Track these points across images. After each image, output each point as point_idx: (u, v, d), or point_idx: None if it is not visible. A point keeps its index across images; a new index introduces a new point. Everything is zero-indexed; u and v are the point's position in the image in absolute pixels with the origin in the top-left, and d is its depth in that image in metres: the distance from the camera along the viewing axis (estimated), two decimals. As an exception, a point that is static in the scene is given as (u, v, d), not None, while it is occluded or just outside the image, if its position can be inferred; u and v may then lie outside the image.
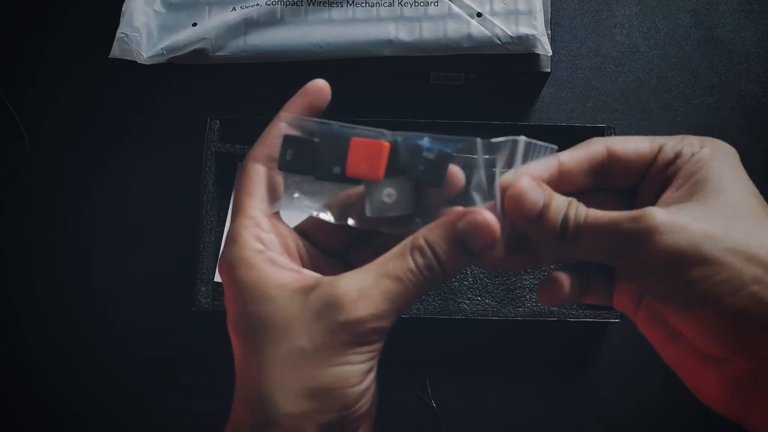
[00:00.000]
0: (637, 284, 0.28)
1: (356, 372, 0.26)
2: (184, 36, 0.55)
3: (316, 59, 0.55)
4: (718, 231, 0.24)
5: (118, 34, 0.55)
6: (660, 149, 0.28)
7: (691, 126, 0.59)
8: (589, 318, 0.51)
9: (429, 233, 0.26)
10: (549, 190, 0.26)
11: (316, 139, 0.28)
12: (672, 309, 0.26)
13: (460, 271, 0.26)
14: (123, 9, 0.56)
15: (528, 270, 0.54)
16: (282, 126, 0.29)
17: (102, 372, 0.54)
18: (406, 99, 0.59)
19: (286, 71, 0.56)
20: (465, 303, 0.54)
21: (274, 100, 0.60)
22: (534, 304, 0.54)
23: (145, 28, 0.56)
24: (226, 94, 0.60)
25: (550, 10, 0.56)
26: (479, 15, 0.54)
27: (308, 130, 0.28)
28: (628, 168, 0.28)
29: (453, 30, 0.54)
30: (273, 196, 0.30)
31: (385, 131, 0.28)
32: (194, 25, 0.56)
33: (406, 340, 0.54)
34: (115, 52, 0.55)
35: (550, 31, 0.55)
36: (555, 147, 0.28)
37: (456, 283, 0.54)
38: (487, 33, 0.54)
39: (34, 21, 0.63)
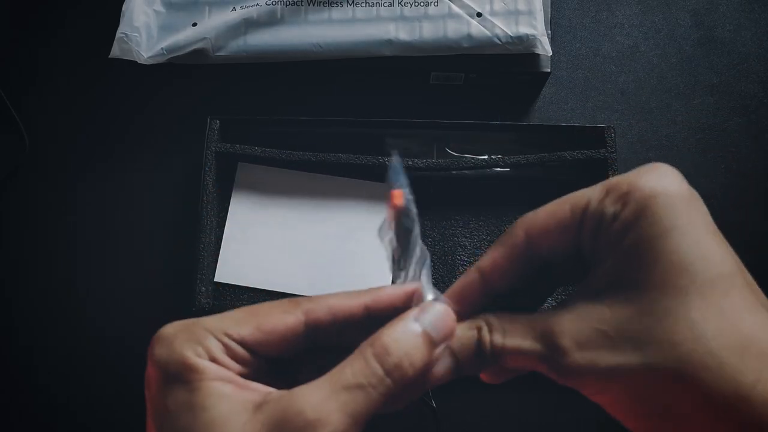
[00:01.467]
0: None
1: None
2: (184, 36, 0.55)
3: (316, 59, 0.55)
4: (631, 324, 0.22)
5: (118, 34, 0.55)
6: (584, 209, 0.24)
7: (691, 126, 0.59)
8: (589, 318, 0.51)
9: (388, 336, 0.24)
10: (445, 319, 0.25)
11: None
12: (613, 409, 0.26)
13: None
14: (123, 9, 0.56)
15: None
16: None
17: (102, 372, 0.54)
18: (406, 99, 0.59)
19: (286, 71, 0.56)
20: (465, 303, 0.54)
21: (274, 100, 0.60)
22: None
23: (145, 28, 0.56)
24: (226, 94, 0.60)
25: (550, 10, 0.56)
26: (479, 15, 0.54)
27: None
28: (554, 239, 0.25)
29: (453, 30, 0.54)
30: (269, 347, 0.25)
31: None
32: (194, 25, 0.56)
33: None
34: (115, 52, 0.55)
35: (550, 31, 0.55)
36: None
37: (456, 283, 0.54)
38: (487, 33, 0.54)
39: (34, 21, 0.63)
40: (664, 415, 0.22)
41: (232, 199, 0.56)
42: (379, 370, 0.23)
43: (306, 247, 0.54)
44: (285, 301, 0.25)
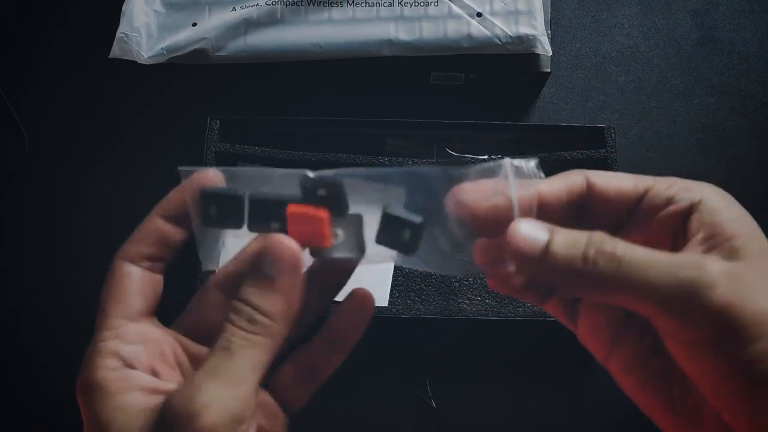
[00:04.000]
0: (671, 342, 0.24)
1: None
2: (184, 36, 0.55)
3: (316, 59, 0.55)
4: None
5: (118, 34, 0.55)
6: (646, 191, 0.26)
7: (691, 126, 0.59)
8: (589, 318, 0.51)
9: (240, 290, 0.25)
10: (554, 226, 0.24)
11: (241, 193, 0.26)
12: (700, 377, 0.23)
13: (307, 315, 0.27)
14: (123, 9, 0.56)
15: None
16: (187, 188, 0.28)
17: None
18: (406, 99, 0.59)
19: (286, 71, 0.56)
20: (465, 303, 0.54)
21: (274, 100, 0.60)
22: (533, 304, 0.54)
23: (145, 28, 0.56)
24: (226, 94, 0.60)
25: (550, 10, 0.56)
26: (479, 15, 0.54)
27: (219, 187, 0.27)
28: (607, 205, 0.26)
29: (453, 30, 0.54)
30: (150, 296, 0.28)
31: (308, 173, 0.26)
32: (194, 25, 0.56)
33: (406, 340, 0.54)
34: (115, 52, 0.55)
35: (550, 31, 0.55)
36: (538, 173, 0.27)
37: (456, 284, 0.54)
38: (487, 33, 0.54)
39: (34, 21, 0.63)
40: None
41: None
42: (233, 328, 0.24)
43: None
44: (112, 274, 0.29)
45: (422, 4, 0.55)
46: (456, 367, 0.53)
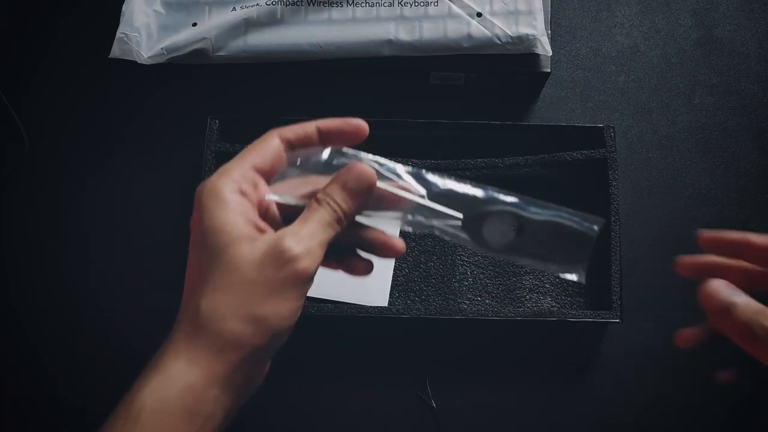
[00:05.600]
0: None
1: (292, 309, 0.31)
2: (184, 36, 0.55)
3: (316, 59, 0.55)
4: None
5: (118, 34, 0.55)
6: None
7: (691, 126, 0.59)
8: (589, 318, 0.51)
9: (327, 188, 0.33)
10: (740, 292, 0.31)
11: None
12: None
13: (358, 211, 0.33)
14: (123, 9, 0.56)
15: (528, 270, 0.54)
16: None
17: (102, 372, 0.54)
18: (406, 99, 0.59)
19: (286, 71, 0.56)
20: (465, 303, 0.54)
21: (274, 100, 0.60)
22: (534, 305, 0.54)
23: (145, 28, 0.56)
24: (226, 94, 0.60)
25: (550, 10, 0.56)
26: (479, 15, 0.54)
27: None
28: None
29: (453, 30, 0.54)
30: (277, 167, 0.34)
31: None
32: (194, 25, 0.56)
33: (406, 340, 0.54)
34: (115, 52, 0.55)
35: (550, 31, 0.55)
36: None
37: (456, 284, 0.54)
38: (487, 33, 0.54)
39: (34, 21, 0.63)
40: None
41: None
42: (327, 216, 0.32)
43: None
44: (265, 135, 0.35)
45: (422, 4, 0.55)
46: (456, 367, 0.53)
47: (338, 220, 0.32)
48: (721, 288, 0.31)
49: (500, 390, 0.53)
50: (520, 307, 0.53)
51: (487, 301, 0.54)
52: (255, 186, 0.33)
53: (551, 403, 0.53)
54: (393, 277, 0.54)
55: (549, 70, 0.56)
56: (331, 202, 0.32)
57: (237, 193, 0.32)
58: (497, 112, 0.59)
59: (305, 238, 0.31)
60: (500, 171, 0.55)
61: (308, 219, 0.32)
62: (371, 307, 0.51)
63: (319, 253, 0.31)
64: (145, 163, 0.59)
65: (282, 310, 0.31)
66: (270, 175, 0.34)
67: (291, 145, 0.34)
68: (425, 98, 0.59)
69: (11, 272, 0.56)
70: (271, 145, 0.34)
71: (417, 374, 0.53)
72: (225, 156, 0.54)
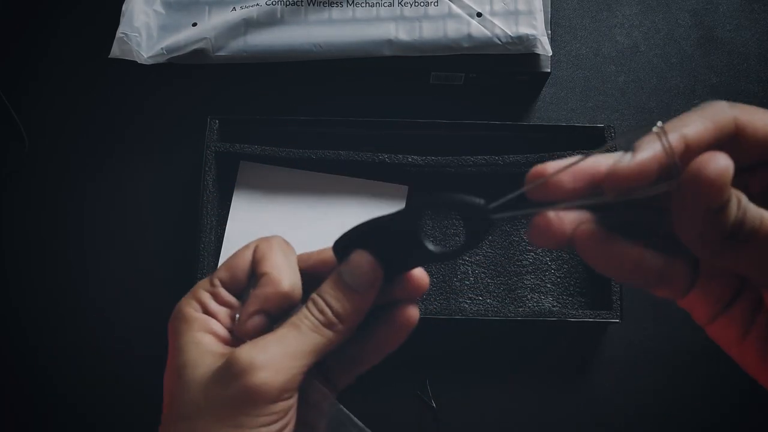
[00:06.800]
0: None
1: None
2: (184, 36, 0.55)
3: (316, 59, 0.55)
4: None
5: (118, 34, 0.55)
6: None
7: (691, 126, 0.59)
8: (589, 318, 0.51)
9: (321, 287, 0.28)
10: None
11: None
12: None
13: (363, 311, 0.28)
14: (123, 9, 0.56)
15: (529, 270, 0.54)
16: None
17: (102, 373, 0.54)
18: (406, 99, 0.59)
19: (286, 71, 0.56)
20: (466, 303, 0.54)
21: (274, 100, 0.60)
22: (535, 304, 0.54)
23: (145, 28, 0.56)
24: (226, 94, 0.60)
25: (550, 10, 0.56)
26: (479, 15, 0.54)
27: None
28: (756, 149, 0.22)
29: (453, 30, 0.54)
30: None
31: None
32: (194, 25, 0.56)
33: (407, 339, 0.54)
34: (115, 52, 0.55)
35: (550, 31, 0.55)
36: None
37: (457, 283, 0.54)
38: (487, 33, 0.54)
39: (34, 21, 0.63)
40: None
41: (233, 197, 0.56)
42: (308, 314, 0.28)
43: (307, 245, 0.54)
44: (246, 245, 0.31)
45: (422, 4, 0.55)
46: (456, 367, 0.53)
47: (328, 324, 0.27)
48: (728, 163, 0.20)
49: (500, 390, 0.53)
50: (520, 307, 0.53)
51: (488, 301, 0.54)
52: (226, 303, 0.29)
53: (551, 403, 0.53)
54: (393, 277, 0.54)
55: (549, 70, 0.56)
56: (318, 302, 0.28)
57: (200, 312, 0.29)
58: (497, 112, 0.59)
59: (269, 345, 0.26)
60: (500, 169, 0.55)
61: (284, 324, 0.27)
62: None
63: (288, 365, 0.26)
64: (145, 163, 0.59)
65: None
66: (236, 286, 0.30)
67: None
68: (425, 98, 0.59)
69: (11, 272, 0.56)
70: (238, 259, 0.30)
71: (417, 374, 0.53)
72: (225, 156, 0.55)
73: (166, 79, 0.59)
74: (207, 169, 0.54)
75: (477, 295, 0.54)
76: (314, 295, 0.28)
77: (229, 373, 0.26)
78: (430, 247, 0.26)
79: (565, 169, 0.23)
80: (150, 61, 0.55)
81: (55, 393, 0.54)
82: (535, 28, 0.54)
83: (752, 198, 0.21)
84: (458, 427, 0.52)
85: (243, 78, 0.58)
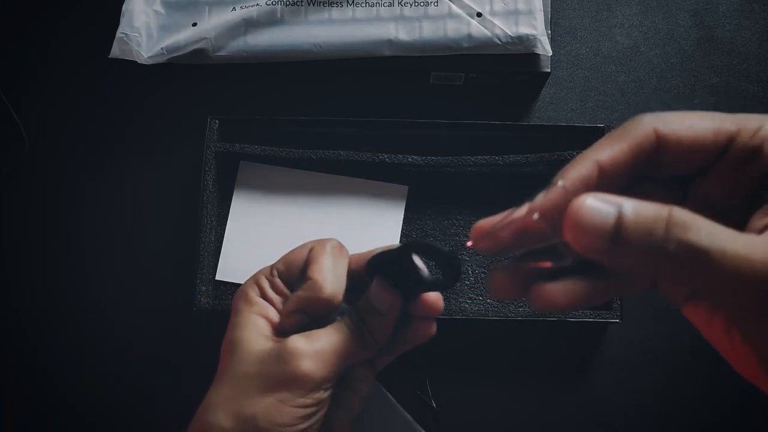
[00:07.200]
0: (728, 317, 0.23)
1: (286, 414, 0.29)
2: (184, 36, 0.55)
3: (316, 59, 0.55)
4: None
5: (118, 34, 0.55)
6: (730, 139, 0.22)
7: (691, 126, 0.59)
8: (589, 318, 0.51)
9: (359, 304, 0.32)
10: (624, 199, 0.20)
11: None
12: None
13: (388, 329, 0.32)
14: (123, 9, 0.56)
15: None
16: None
17: (102, 373, 0.54)
18: (406, 99, 0.59)
19: (286, 71, 0.56)
20: (466, 303, 0.54)
21: (274, 100, 0.60)
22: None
23: (145, 28, 0.56)
24: (226, 94, 0.60)
25: (550, 10, 0.56)
26: (479, 15, 0.54)
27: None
28: (683, 158, 0.22)
29: (453, 30, 0.54)
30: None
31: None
32: (194, 25, 0.56)
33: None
34: (115, 52, 0.55)
35: (550, 31, 0.55)
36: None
37: (457, 283, 0.54)
38: (487, 33, 0.54)
39: (34, 21, 0.63)
40: None
41: (233, 197, 0.56)
42: (349, 323, 0.32)
43: (306, 247, 0.54)
44: (304, 243, 0.34)
45: (422, 4, 0.55)
46: (456, 367, 0.53)
47: (363, 342, 0.31)
48: (593, 205, 0.19)
49: (500, 390, 0.53)
50: (520, 307, 0.53)
51: (488, 301, 0.54)
52: (281, 292, 0.33)
53: (551, 403, 0.53)
54: (393, 277, 0.54)
55: (549, 70, 0.56)
56: (353, 314, 0.32)
57: (261, 297, 0.33)
58: (497, 112, 0.59)
59: (317, 340, 0.30)
60: (500, 169, 0.55)
61: (331, 326, 0.32)
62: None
63: (330, 360, 0.30)
64: (145, 163, 0.59)
65: (274, 412, 0.29)
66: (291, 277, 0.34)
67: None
68: (425, 98, 0.59)
69: (11, 272, 0.56)
70: (295, 254, 0.34)
71: (417, 374, 0.53)
72: (225, 156, 0.55)
73: (166, 79, 0.59)
74: (207, 169, 0.54)
75: (477, 295, 0.54)
76: (356, 315, 0.32)
77: (284, 354, 0.29)
78: (425, 276, 0.30)
79: (504, 222, 0.25)
80: (150, 61, 0.55)
81: (55, 393, 0.54)
82: (535, 28, 0.54)
83: (711, 203, 0.22)
84: (458, 427, 0.52)
85: (243, 78, 0.58)
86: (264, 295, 0.33)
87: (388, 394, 0.36)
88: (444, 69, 0.56)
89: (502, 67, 0.55)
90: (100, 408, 0.53)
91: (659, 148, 0.22)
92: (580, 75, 0.61)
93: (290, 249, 0.34)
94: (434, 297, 0.33)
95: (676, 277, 0.20)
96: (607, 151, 0.23)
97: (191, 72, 0.57)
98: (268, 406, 0.29)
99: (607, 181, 0.23)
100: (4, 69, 0.61)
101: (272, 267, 0.34)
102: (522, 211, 0.24)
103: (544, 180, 0.25)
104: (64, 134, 0.60)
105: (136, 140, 0.59)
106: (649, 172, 0.23)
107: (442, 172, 0.55)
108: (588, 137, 0.54)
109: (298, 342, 0.30)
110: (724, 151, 0.22)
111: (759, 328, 0.21)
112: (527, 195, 0.26)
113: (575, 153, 0.53)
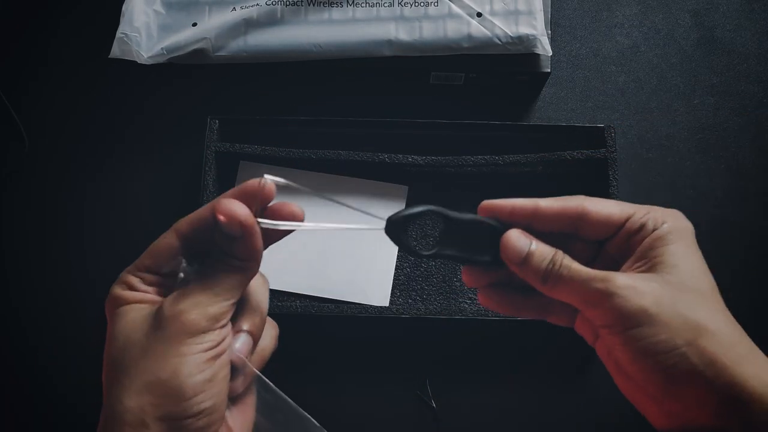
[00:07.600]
0: (597, 327, 0.33)
1: (190, 363, 0.29)
2: (184, 36, 0.55)
3: (316, 59, 0.55)
4: (666, 300, 0.30)
5: (118, 34, 0.55)
6: (628, 218, 0.33)
7: (691, 126, 0.59)
8: (590, 318, 0.51)
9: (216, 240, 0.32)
10: (535, 240, 0.33)
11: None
12: (620, 353, 0.31)
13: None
14: (123, 9, 0.56)
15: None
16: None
17: (101, 370, 0.54)
18: (406, 99, 0.59)
19: (286, 71, 0.56)
20: (466, 303, 0.54)
21: (274, 100, 0.60)
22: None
23: (145, 28, 0.56)
24: (226, 94, 0.60)
25: (550, 10, 0.56)
26: (479, 15, 0.54)
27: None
28: (597, 228, 0.33)
29: (453, 30, 0.54)
30: (176, 267, 0.33)
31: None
32: (194, 25, 0.56)
33: (407, 339, 0.54)
34: (115, 52, 0.55)
35: (550, 31, 0.55)
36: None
37: (457, 283, 0.54)
38: (487, 33, 0.54)
39: (34, 21, 0.63)
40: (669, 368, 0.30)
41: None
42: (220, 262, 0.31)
43: (307, 245, 0.54)
44: (164, 234, 0.33)
45: (422, 4, 0.55)
46: (456, 367, 0.53)
47: (239, 270, 0.31)
48: (517, 237, 0.33)
49: (500, 390, 0.53)
50: (520, 307, 0.53)
51: (487, 301, 0.54)
52: (153, 283, 0.32)
53: (551, 403, 0.53)
54: (394, 276, 0.54)
55: (549, 70, 0.56)
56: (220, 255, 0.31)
57: (128, 290, 0.32)
58: (497, 112, 0.59)
59: (193, 292, 0.30)
60: (500, 169, 0.55)
61: (199, 275, 0.31)
62: (372, 306, 0.51)
63: (212, 301, 0.30)
64: (145, 163, 0.59)
65: (181, 368, 0.28)
66: (161, 267, 0.33)
67: (186, 238, 0.32)
68: (425, 98, 0.59)
69: (11, 272, 0.56)
70: (160, 245, 0.33)
71: (417, 374, 0.53)
72: (225, 156, 0.55)
73: (166, 79, 0.59)
74: (207, 169, 0.54)
75: (477, 295, 0.54)
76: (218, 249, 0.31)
77: (165, 317, 0.29)
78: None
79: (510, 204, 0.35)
80: (150, 61, 0.55)
81: (55, 393, 0.54)
82: (535, 28, 0.54)
83: (613, 256, 0.34)
84: (458, 427, 0.52)
85: (243, 78, 0.58)
86: (135, 290, 0.32)
87: (278, 390, 0.35)
88: (444, 69, 0.56)
89: (502, 67, 0.55)
90: (99, 408, 0.53)
91: (582, 218, 0.33)
92: (580, 75, 0.61)
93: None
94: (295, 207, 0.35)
95: (553, 291, 0.32)
96: (546, 202, 0.34)
97: (191, 72, 0.57)
98: (172, 366, 0.29)
99: (539, 224, 0.34)
100: (4, 69, 0.61)
101: (136, 264, 0.33)
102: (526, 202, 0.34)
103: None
104: (64, 134, 0.60)
105: (136, 140, 0.59)
106: (581, 234, 0.34)
107: (442, 172, 0.55)
108: (588, 137, 0.54)
109: (172, 299, 0.30)
110: (623, 225, 0.33)
111: (607, 336, 0.32)
112: (526, 196, 0.33)
113: (575, 153, 0.53)
